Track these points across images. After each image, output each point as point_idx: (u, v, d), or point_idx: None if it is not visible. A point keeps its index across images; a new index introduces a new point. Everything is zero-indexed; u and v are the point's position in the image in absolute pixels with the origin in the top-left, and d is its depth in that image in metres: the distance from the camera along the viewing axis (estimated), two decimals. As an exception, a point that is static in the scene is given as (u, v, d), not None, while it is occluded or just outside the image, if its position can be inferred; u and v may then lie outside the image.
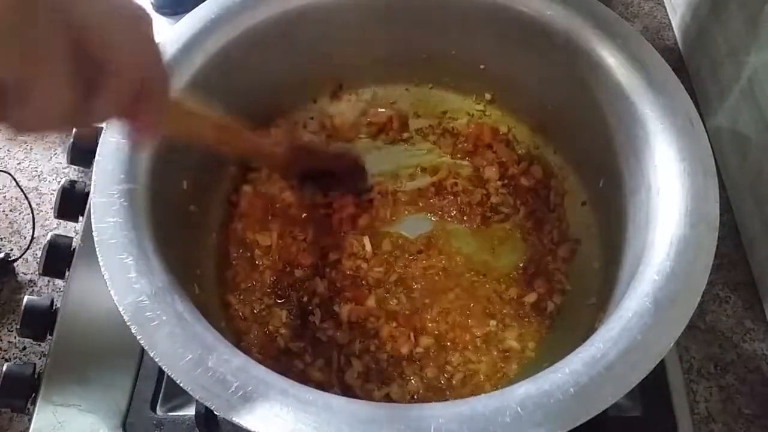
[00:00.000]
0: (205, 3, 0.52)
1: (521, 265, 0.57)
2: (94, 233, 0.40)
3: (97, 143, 0.44)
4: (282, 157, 0.55)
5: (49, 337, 0.53)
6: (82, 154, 0.61)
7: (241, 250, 0.57)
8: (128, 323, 0.36)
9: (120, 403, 0.50)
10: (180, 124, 0.40)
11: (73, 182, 0.59)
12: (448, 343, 0.53)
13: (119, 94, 0.28)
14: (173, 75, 0.48)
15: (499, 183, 0.61)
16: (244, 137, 0.50)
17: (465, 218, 0.60)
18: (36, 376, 0.51)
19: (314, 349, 0.53)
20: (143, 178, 0.44)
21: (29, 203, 0.67)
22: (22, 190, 0.67)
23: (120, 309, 0.37)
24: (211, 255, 0.56)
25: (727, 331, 0.56)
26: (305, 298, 0.55)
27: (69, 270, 0.56)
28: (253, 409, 0.33)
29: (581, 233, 0.56)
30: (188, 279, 0.45)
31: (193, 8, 0.52)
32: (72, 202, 0.58)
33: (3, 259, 0.63)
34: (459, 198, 0.61)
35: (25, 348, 0.59)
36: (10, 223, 0.67)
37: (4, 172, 0.69)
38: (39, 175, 0.70)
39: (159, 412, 0.50)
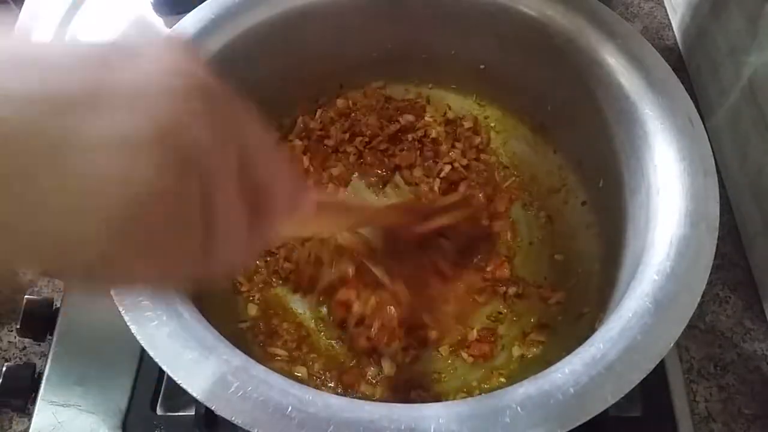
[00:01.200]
0: (205, 3, 0.52)
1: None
2: (94, 233, 0.40)
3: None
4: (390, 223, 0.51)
5: (49, 337, 0.53)
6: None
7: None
8: (128, 323, 0.36)
9: (120, 403, 0.50)
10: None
11: (73, 182, 0.59)
12: (447, 345, 0.53)
13: (279, 216, 0.27)
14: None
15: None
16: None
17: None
18: (36, 376, 0.51)
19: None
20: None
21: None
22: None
23: (120, 309, 0.37)
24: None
25: (727, 331, 0.56)
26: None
27: (69, 270, 0.56)
28: (253, 409, 0.33)
29: (581, 233, 0.56)
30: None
31: (193, 8, 0.52)
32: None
33: (3, 259, 0.63)
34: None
35: (25, 348, 0.59)
36: (10, 223, 0.67)
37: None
38: (39, 175, 0.70)
39: (159, 412, 0.50)
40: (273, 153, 0.26)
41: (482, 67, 0.61)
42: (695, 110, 0.45)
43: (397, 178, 0.63)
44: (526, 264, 0.58)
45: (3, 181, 0.18)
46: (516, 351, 0.52)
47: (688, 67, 0.73)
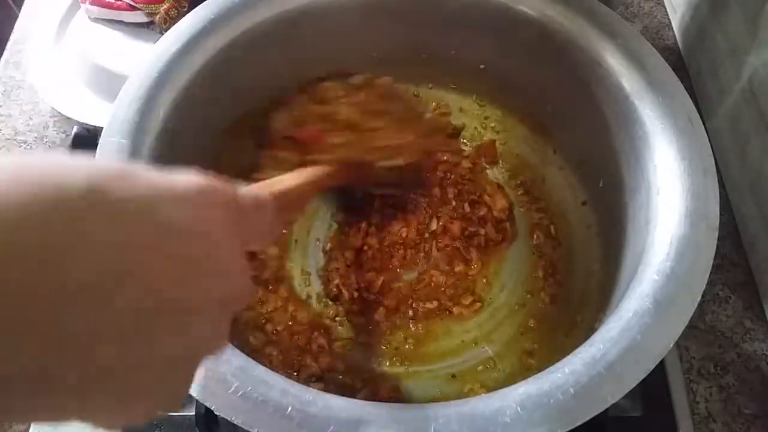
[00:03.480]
0: (205, 3, 0.52)
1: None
2: (94, 233, 0.40)
3: (97, 143, 0.44)
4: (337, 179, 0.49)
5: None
6: (83, 154, 0.61)
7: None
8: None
9: (120, 403, 0.50)
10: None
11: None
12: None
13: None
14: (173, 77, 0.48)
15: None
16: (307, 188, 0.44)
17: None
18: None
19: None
20: (143, 178, 0.44)
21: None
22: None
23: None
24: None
25: (727, 331, 0.56)
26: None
27: (69, 270, 0.56)
28: (253, 409, 0.33)
29: (581, 233, 0.56)
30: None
31: (193, 8, 0.52)
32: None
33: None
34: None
35: (25, 348, 0.59)
36: (10, 223, 0.67)
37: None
38: (39, 175, 0.70)
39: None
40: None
41: (482, 67, 0.61)
42: (695, 110, 0.45)
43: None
44: (526, 264, 0.58)
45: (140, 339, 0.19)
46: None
47: (688, 67, 0.73)
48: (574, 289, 0.54)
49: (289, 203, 0.37)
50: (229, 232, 0.22)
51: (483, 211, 0.59)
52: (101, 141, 0.44)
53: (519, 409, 0.33)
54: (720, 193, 0.41)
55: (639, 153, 0.46)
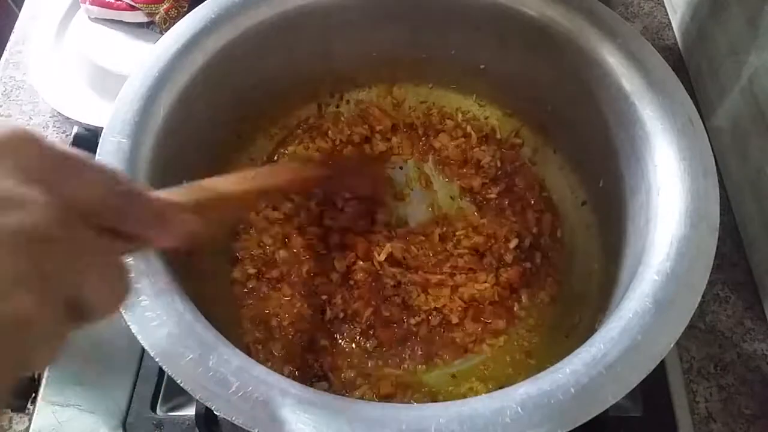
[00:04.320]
0: (205, 3, 0.52)
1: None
2: (94, 233, 0.40)
3: (97, 143, 0.44)
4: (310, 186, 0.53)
5: (49, 336, 0.53)
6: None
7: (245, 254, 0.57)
8: (128, 323, 0.36)
9: (120, 403, 0.50)
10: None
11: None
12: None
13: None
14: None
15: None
16: (270, 188, 0.46)
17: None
18: (36, 376, 0.51)
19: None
20: (144, 178, 0.44)
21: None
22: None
23: (120, 309, 0.37)
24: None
25: (727, 331, 0.56)
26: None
27: (69, 270, 0.56)
28: (253, 409, 0.33)
29: (581, 233, 0.56)
30: (189, 278, 0.45)
31: (193, 8, 0.52)
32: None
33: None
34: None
35: (25, 348, 0.59)
36: (10, 223, 0.67)
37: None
38: (39, 175, 0.70)
39: (159, 412, 0.50)
40: (114, 192, 0.26)
41: (482, 67, 0.61)
42: (695, 110, 0.45)
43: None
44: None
45: None
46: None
47: (688, 67, 0.73)
48: (574, 289, 0.54)
49: (209, 208, 0.36)
50: (21, 171, 0.22)
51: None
52: (101, 141, 0.44)
53: (519, 409, 0.33)
54: (720, 193, 0.41)
55: (639, 153, 0.46)
